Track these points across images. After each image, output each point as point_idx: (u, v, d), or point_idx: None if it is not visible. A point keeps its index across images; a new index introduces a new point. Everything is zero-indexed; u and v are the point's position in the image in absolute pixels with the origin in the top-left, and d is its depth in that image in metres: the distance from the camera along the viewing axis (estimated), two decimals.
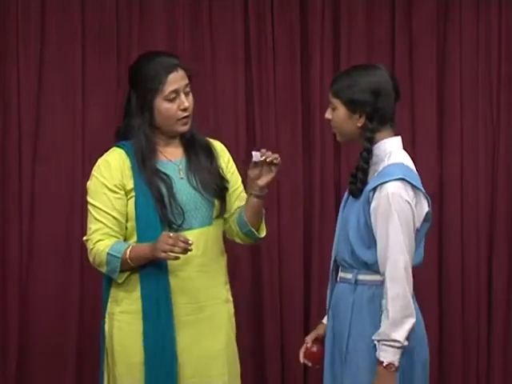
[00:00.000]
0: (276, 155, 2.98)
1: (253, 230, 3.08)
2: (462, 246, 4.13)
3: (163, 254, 2.84)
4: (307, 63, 4.07)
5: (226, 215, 3.14)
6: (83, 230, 3.09)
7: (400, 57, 4.09)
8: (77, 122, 3.90)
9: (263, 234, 3.15)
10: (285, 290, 4.07)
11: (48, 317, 3.92)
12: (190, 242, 2.83)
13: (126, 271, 2.97)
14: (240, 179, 3.20)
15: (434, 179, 4.11)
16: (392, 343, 2.64)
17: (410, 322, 2.65)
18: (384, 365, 2.65)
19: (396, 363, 2.65)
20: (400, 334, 2.64)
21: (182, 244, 2.82)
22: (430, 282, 4.10)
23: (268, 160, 2.96)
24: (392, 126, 2.80)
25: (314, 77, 4.04)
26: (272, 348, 4.05)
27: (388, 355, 2.65)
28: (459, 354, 4.14)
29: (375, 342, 2.67)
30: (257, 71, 4.03)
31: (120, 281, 2.97)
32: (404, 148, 2.83)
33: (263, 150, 2.98)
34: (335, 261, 2.88)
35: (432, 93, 4.12)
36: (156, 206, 2.96)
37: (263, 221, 3.13)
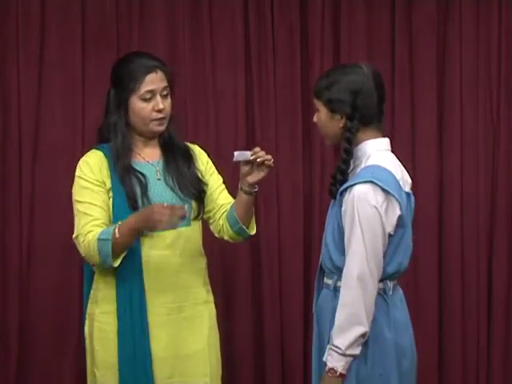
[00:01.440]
0: (268, 157, 2.94)
1: (243, 227, 3.07)
2: (462, 246, 4.13)
3: (161, 225, 2.81)
4: (307, 63, 4.07)
5: (212, 212, 3.14)
6: None
7: (400, 57, 4.08)
8: (77, 122, 3.89)
9: (253, 231, 3.15)
10: (285, 289, 4.07)
11: (48, 316, 3.92)
12: (185, 207, 2.82)
13: (121, 254, 2.94)
14: (221, 179, 3.21)
15: (434, 179, 4.11)
16: (334, 348, 2.59)
17: (356, 331, 2.58)
18: (327, 368, 2.61)
19: (339, 369, 2.59)
20: (342, 341, 2.58)
21: (179, 211, 2.80)
22: (430, 281, 4.11)
23: (258, 161, 2.93)
24: (378, 126, 2.74)
25: (313, 77, 4.02)
26: (272, 348, 4.05)
27: (332, 360, 2.60)
28: (459, 353, 4.13)
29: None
30: (257, 71, 4.03)
31: (116, 265, 2.95)
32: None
33: (256, 149, 2.95)
34: (321, 266, 2.83)
35: (432, 93, 4.12)
36: (128, 203, 2.96)
37: (253, 218, 3.13)
